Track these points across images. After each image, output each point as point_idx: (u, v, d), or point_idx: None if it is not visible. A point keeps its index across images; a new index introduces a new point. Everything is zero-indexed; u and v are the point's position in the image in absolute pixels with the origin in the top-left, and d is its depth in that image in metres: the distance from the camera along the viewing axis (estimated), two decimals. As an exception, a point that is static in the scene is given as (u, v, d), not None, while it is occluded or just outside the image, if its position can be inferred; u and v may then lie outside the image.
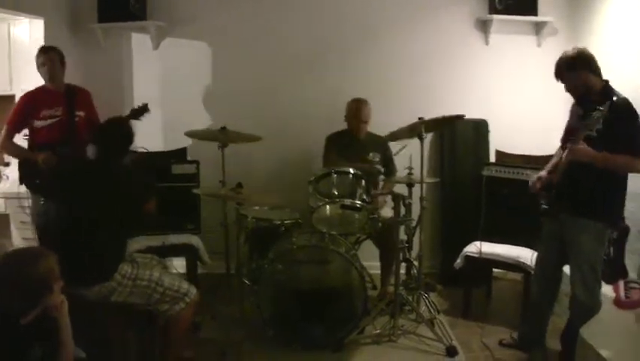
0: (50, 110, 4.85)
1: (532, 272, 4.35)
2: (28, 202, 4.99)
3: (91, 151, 4.51)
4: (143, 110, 4.95)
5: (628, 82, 4.55)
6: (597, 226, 3.74)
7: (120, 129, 3.98)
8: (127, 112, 4.96)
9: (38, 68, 4.89)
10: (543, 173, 3.96)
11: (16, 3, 5.12)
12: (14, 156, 5.08)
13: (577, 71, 3.69)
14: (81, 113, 5.00)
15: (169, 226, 5.15)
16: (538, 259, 4.20)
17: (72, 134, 4.86)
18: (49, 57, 4.86)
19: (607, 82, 3.75)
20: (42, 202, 4.78)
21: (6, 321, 2.54)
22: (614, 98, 3.59)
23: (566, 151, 3.67)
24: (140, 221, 3.99)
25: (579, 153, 3.57)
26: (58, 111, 4.88)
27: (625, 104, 3.61)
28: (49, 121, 4.84)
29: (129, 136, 3.95)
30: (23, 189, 4.94)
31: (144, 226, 4.34)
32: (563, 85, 3.82)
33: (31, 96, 4.93)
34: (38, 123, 4.83)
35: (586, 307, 3.80)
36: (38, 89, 4.98)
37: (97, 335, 3.52)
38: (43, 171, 4.64)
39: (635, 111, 3.62)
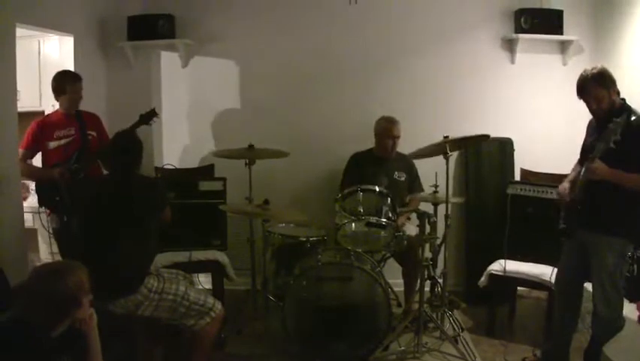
0: (64, 130, 4.90)
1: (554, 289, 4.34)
2: (47, 219, 5.02)
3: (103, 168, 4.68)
4: (151, 114, 5.00)
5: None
6: (619, 242, 3.72)
7: (127, 140, 4.03)
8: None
9: (61, 93, 4.91)
10: (566, 185, 3.94)
11: (47, 20, 5.19)
12: (31, 177, 5.14)
13: (605, 87, 3.69)
14: (93, 133, 5.05)
15: (195, 242, 5.13)
16: (559, 277, 4.17)
17: (86, 152, 4.91)
18: (76, 89, 4.92)
19: (624, 100, 3.76)
20: (65, 219, 4.81)
21: (36, 333, 2.55)
22: (633, 118, 3.60)
23: (583, 170, 3.67)
24: (159, 230, 3.96)
25: (596, 171, 3.57)
26: (72, 130, 4.92)
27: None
28: (63, 141, 4.89)
29: (137, 144, 3.98)
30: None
31: (166, 237, 4.34)
32: (587, 104, 3.79)
33: (41, 121, 4.99)
34: (52, 144, 4.88)
35: (609, 324, 3.79)
36: (51, 114, 5.08)
37: (123, 349, 3.57)
38: (61, 188, 4.71)
39: None
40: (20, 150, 4.83)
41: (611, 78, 3.72)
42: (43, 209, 4.93)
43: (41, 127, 4.90)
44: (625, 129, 3.46)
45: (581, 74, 3.78)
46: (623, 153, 3.51)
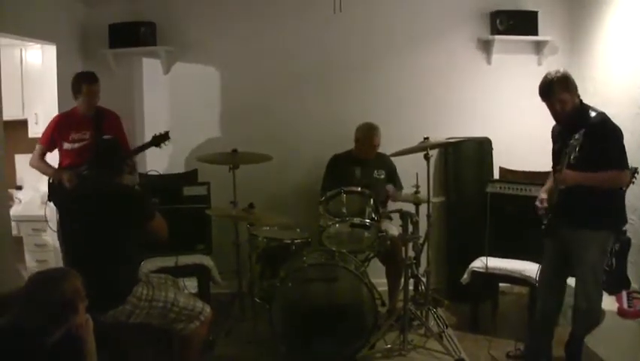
0: (79, 134, 4.98)
1: (537, 285, 4.40)
2: (49, 224, 5.07)
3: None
4: (164, 137, 5.07)
5: (628, 98, 4.68)
6: (600, 235, 3.81)
7: (108, 146, 4.03)
8: (148, 138, 5.10)
9: (78, 93, 4.95)
10: (543, 195, 4.04)
11: (29, 29, 5.21)
12: (42, 172, 5.19)
13: (569, 91, 3.77)
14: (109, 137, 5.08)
15: (180, 247, 5.12)
16: (541, 273, 4.23)
17: None
18: (93, 90, 4.97)
19: (581, 101, 3.85)
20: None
21: (32, 340, 2.57)
22: (592, 115, 3.73)
23: (555, 180, 3.78)
24: (146, 240, 3.90)
25: (566, 179, 3.67)
26: (86, 135, 4.99)
27: (600, 123, 3.72)
28: (76, 145, 4.97)
29: (118, 152, 3.97)
30: (37, 212, 5.03)
31: (154, 247, 4.33)
32: (550, 107, 3.87)
33: (61, 118, 5.07)
34: (67, 145, 4.97)
35: (588, 318, 3.86)
36: (70, 112, 5.12)
37: (116, 354, 3.61)
38: (67, 191, 4.75)
39: (613, 127, 3.72)
40: (38, 146, 4.97)
41: (574, 82, 3.81)
42: (51, 204, 5.02)
43: (59, 125, 5.00)
44: (588, 133, 3.55)
45: (545, 77, 3.86)
46: (591, 154, 3.61)
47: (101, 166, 3.86)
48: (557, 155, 3.88)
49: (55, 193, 4.97)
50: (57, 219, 4.85)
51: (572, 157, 3.57)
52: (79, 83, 4.94)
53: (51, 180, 5.06)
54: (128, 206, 3.77)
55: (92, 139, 4.96)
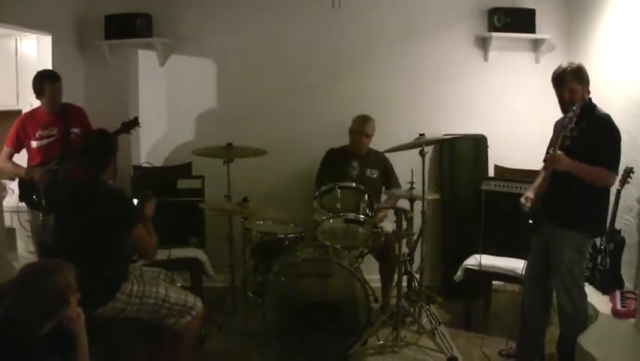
0: (46, 130, 4.91)
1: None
2: (28, 217, 5.07)
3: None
4: (133, 123, 5.00)
5: (624, 98, 4.68)
6: (578, 236, 3.82)
7: (96, 139, 3.93)
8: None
9: (41, 93, 4.88)
10: (530, 193, 4.03)
11: (25, 19, 5.18)
12: (11, 174, 5.19)
13: (580, 82, 3.79)
14: (76, 130, 5.04)
15: (174, 240, 5.11)
16: (527, 272, 4.24)
17: (68, 152, 4.90)
18: (56, 89, 4.89)
19: (590, 99, 3.86)
20: (41, 218, 4.86)
21: (23, 332, 2.56)
22: (597, 113, 3.76)
23: (546, 160, 3.79)
24: (131, 246, 3.83)
25: (557, 160, 3.65)
26: (54, 130, 4.93)
27: (603, 119, 3.75)
28: (44, 141, 4.91)
29: (107, 147, 3.85)
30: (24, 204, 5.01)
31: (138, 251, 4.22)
32: (559, 94, 3.88)
33: (26, 117, 5.03)
34: (35, 143, 4.90)
35: (573, 320, 3.86)
36: (34, 111, 5.07)
37: (106, 348, 3.60)
38: (40, 188, 4.76)
39: (613, 127, 3.73)
40: (5, 148, 4.90)
41: (587, 76, 3.83)
42: (23, 204, 5.00)
43: (24, 124, 4.93)
44: (590, 122, 3.62)
45: (560, 66, 3.89)
46: (586, 145, 3.64)
47: (90, 161, 3.77)
48: (551, 145, 3.89)
49: (28, 192, 4.90)
50: (29, 216, 4.95)
51: (568, 131, 3.59)
52: (41, 83, 4.85)
53: (19, 180, 5.02)
54: (115, 210, 3.69)
55: (60, 134, 4.93)
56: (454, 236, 5.91)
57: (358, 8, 5.89)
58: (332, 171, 5.37)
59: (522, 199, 4.04)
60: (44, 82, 4.86)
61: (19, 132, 4.93)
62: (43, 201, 4.77)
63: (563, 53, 5.88)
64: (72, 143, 4.95)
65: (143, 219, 3.80)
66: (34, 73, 4.92)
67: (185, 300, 3.81)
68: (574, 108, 3.59)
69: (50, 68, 5.30)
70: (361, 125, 5.38)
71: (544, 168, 3.85)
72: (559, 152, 3.65)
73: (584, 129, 3.63)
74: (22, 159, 5.04)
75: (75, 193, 3.83)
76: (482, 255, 4.98)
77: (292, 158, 6.09)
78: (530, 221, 3.91)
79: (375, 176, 5.45)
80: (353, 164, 5.43)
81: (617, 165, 3.75)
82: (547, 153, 3.97)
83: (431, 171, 6.09)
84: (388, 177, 5.53)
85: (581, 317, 3.88)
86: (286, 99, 6.12)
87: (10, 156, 4.96)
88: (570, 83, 3.79)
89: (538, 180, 4.06)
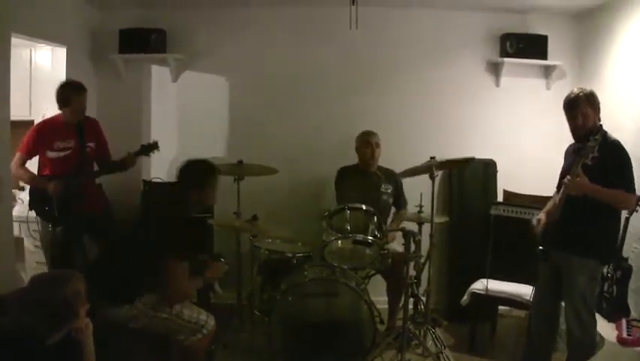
0: (63, 143, 4.90)
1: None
2: (37, 227, 5.03)
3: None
4: (152, 147, 5.05)
5: (635, 125, 4.69)
6: (589, 263, 3.82)
7: (197, 167, 4.09)
8: (137, 147, 5.06)
9: (66, 104, 4.87)
10: (542, 215, 4.05)
11: (40, 31, 5.21)
12: (26, 182, 5.15)
13: (592, 108, 3.83)
14: (92, 145, 5.06)
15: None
16: (536, 297, 4.25)
17: (84, 166, 4.94)
18: (82, 100, 4.91)
19: (601, 125, 3.87)
20: (50, 228, 4.84)
21: (32, 342, 2.58)
22: (610, 137, 3.78)
23: (563, 187, 3.77)
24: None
25: (576, 185, 3.65)
26: (70, 143, 4.92)
27: (615, 144, 3.78)
28: (62, 153, 4.90)
29: (204, 174, 4.07)
30: (33, 213, 5.00)
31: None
32: (571, 120, 3.91)
33: (45, 126, 4.99)
34: (52, 154, 4.88)
35: (582, 346, 3.85)
36: (52, 119, 5.03)
37: (114, 359, 3.60)
38: (53, 199, 4.74)
39: (625, 151, 3.76)
40: (18, 154, 4.84)
41: (599, 103, 3.87)
42: (32, 213, 4.96)
43: (42, 134, 4.89)
44: (603, 148, 3.61)
45: (573, 92, 3.92)
46: (600, 170, 3.64)
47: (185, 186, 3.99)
48: (566, 172, 3.88)
49: (39, 201, 4.86)
50: (39, 226, 4.92)
51: (589, 158, 3.58)
52: (67, 94, 4.86)
53: (30, 189, 5.02)
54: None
55: (76, 148, 4.93)
56: (462, 260, 5.89)
57: (374, 31, 5.92)
58: (345, 188, 5.41)
59: (534, 220, 4.06)
60: (70, 92, 4.86)
61: (35, 140, 4.88)
62: (55, 212, 4.75)
63: (574, 80, 5.89)
64: (87, 157, 4.98)
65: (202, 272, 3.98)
66: (47, 84, 4.93)
67: (197, 317, 3.84)
68: (596, 137, 3.57)
69: (64, 79, 5.32)
70: (368, 137, 5.43)
71: (561, 193, 3.83)
72: (580, 177, 3.65)
73: (599, 156, 3.63)
74: (29, 167, 5.02)
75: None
76: (489, 280, 4.98)
77: (302, 177, 6.08)
78: (540, 247, 3.92)
79: (389, 191, 5.47)
80: (367, 181, 5.43)
81: (634, 186, 3.76)
82: (560, 178, 3.98)
83: (440, 195, 6.09)
84: (398, 194, 5.55)
85: (589, 342, 3.86)
86: (297, 117, 6.13)
87: (23, 163, 4.90)
88: (583, 107, 3.82)
89: (550, 204, 4.07)
